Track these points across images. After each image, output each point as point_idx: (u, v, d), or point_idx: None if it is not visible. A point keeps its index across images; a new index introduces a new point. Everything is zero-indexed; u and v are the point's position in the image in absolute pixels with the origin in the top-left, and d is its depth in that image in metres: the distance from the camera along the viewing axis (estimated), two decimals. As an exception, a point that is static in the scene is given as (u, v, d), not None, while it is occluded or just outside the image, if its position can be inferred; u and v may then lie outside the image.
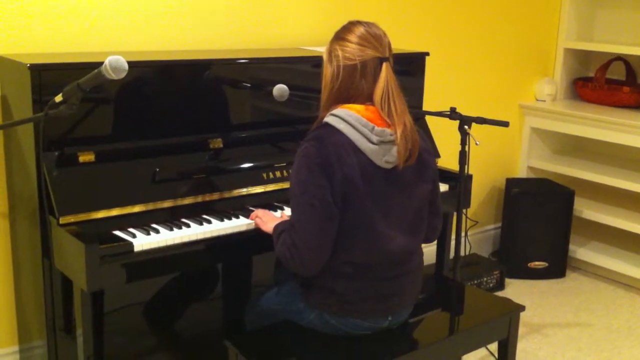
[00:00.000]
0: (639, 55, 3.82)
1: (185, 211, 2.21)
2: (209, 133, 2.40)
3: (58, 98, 1.83)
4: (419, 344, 2.10)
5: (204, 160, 2.34)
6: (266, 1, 2.89)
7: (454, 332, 2.21)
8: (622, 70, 3.97)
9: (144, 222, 2.12)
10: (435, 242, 2.93)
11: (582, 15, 4.07)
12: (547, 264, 3.81)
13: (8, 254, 2.49)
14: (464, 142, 2.50)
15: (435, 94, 3.40)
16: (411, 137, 1.95)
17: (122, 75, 1.76)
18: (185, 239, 2.08)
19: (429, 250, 2.99)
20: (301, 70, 2.63)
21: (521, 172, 4.13)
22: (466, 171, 2.54)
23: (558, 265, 3.83)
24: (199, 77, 2.41)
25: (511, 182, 3.88)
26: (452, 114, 2.51)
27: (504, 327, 2.28)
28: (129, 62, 1.77)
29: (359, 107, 1.94)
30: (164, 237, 2.04)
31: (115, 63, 1.73)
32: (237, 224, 2.19)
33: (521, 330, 2.61)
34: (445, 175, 2.75)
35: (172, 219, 2.18)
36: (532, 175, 4.11)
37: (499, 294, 3.55)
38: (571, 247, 3.87)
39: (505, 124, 2.54)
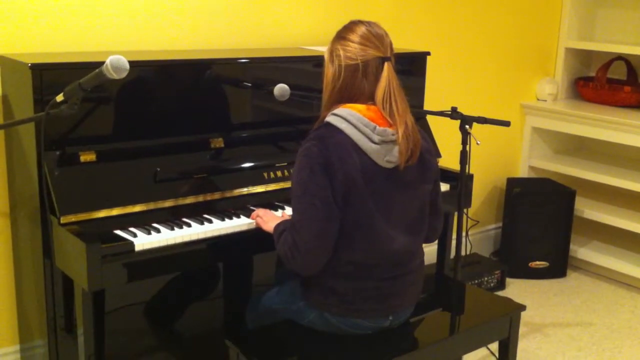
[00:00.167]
0: (639, 55, 3.81)
1: (186, 211, 2.22)
2: (210, 132, 2.40)
3: (59, 98, 1.83)
4: (419, 344, 2.10)
5: (205, 160, 2.34)
6: (267, 1, 2.89)
7: (455, 331, 2.21)
8: (623, 70, 3.97)
9: (145, 222, 2.12)
10: (436, 241, 2.93)
11: (583, 15, 4.07)
12: (548, 264, 3.80)
13: (9, 253, 2.49)
14: (465, 142, 2.49)
15: (437, 94, 3.40)
16: (413, 137, 1.95)
17: (123, 74, 1.77)
18: (187, 239, 2.08)
19: (430, 250, 2.99)
20: (302, 69, 2.63)
21: (522, 172, 4.13)
22: (467, 171, 2.54)
23: (559, 265, 3.83)
24: (200, 77, 2.41)
25: (512, 182, 3.88)
26: (453, 113, 2.51)
27: (505, 326, 2.28)
28: (130, 62, 1.77)
29: (361, 106, 1.94)
30: (165, 237, 2.04)
31: (117, 62, 1.74)
32: (238, 224, 2.20)
33: (522, 329, 2.61)
34: (446, 174, 2.75)
35: (173, 218, 2.18)
36: (533, 175, 4.11)
37: (500, 293, 3.55)
38: (572, 246, 3.87)
39: (506, 123, 2.54)
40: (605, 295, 3.66)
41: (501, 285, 3.65)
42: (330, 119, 1.94)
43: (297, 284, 2.11)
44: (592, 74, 4.14)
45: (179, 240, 2.06)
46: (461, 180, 2.54)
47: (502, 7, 3.76)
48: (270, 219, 2.15)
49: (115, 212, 2.09)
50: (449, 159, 2.92)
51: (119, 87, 2.19)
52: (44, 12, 2.37)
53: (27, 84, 2.06)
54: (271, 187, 2.40)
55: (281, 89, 2.40)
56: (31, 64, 2.04)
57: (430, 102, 3.08)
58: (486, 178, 3.97)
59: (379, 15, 3.19)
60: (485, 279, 3.57)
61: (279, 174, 2.42)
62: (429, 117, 2.93)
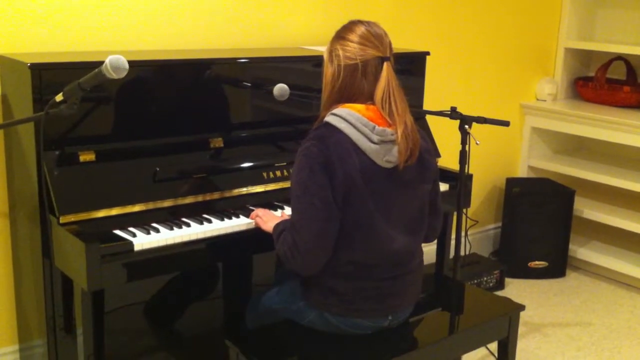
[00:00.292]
0: (639, 55, 3.81)
1: (185, 210, 2.21)
2: (210, 132, 2.39)
3: (58, 97, 1.83)
4: (419, 344, 2.10)
5: (205, 160, 2.34)
6: (267, 1, 2.89)
7: (454, 331, 2.21)
8: (623, 70, 3.97)
9: (144, 222, 2.12)
10: (436, 241, 2.93)
11: (583, 15, 4.07)
12: (547, 264, 3.81)
13: (8, 253, 2.49)
14: (464, 142, 2.49)
15: (436, 94, 3.40)
16: (412, 136, 1.95)
17: (123, 74, 1.76)
18: (186, 239, 2.08)
19: (429, 250, 2.99)
20: (302, 69, 2.63)
21: (521, 172, 4.13)
22: (466, 171, 2.54)
23: (558, 265, 3.83)
24: (199, 77, 2.41)
25: (511, 182, 3.88)
26: (453, 113, 2.51)
27: (504, 326, 2.28)
28: (130, 62, 1.77)
29: (360, 106, 1.94)
30: (164, 237, 2.04)
31: (116, 62, 1.73)
32: (238, 224, 2.19)
33: (521, 329, 2.61)
34: (446, 174, 2.75)
35: (172, 218, 2.18)
36: (532, 175, 4.11)
37: (499, 293, 3.55)
38: (571, 246, 3.87)
39: (505, 123, 2.54)
40: (604, 295, 3.66)
41: (500, 285, 3.65)
42: (329, 118, 1.94)
43: (297, 283, 2.11)
44: (592, 74, 4.14)
45: (178, 240, 2.06)
46: (460, 180, 2.54)
47: (501, 7, 3.76)
48: (269, 219, 2.15)
49: (114, 211, 2.09)
50: (448, 159, 2.92)
51: (119, 86, 2.19)
52: (43, 12, 2.37)
53: (26, 83, 2.06)
54: (270, 186, 2.40)
55: (281, 88, 2.39)
56: (30, 63, 2.04)
57: (429, 102, 3.08)
58: (485, 178, 3.97)
59: (378, 15, 3.19)
60: (485, 278, 3.57)
61: (278, 173, 2.41)
62: (428, 117, 2.93)
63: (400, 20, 3.35)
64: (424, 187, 2.05)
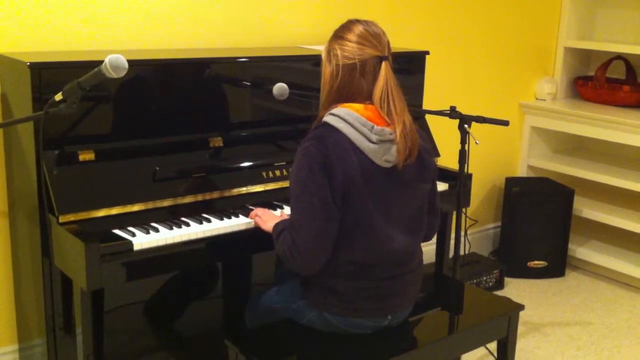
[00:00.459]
0: (639, 55, 3.81)
1: (185, 210, 2.21)
2: (209, 132, 2.39)
3: (58, 97, 1.83)
4: (418, 343, 2.10)
5: (204, 159, 2.34)
6: (266, 0, 2.89)
7: (454, 331, 2.21)
8: (622, 69, 3.97)
9: (143, 221, 2.12)
10: (435, 241, 2.93)
11: (583, 14, 4.07)
12: (546, 263, 3.81)
13: (8, 252, 2.49)
14: (463, 141, 2.49)
15: (435, 93, 3.40)
16: (411, 136, 1.95)
17: (122, 73, 1.76)
18: (185, 238, 2.08)
19: (429, 249, 2.99)
20: (301, 69, 2.63)
21: (521, 171, 4.13)
22: (466, 170, 2.54)
23: (558, 265, 3.83)
24: (199, 76, 2.41)
25: (511, 181, 3.88)
26: (452, 112, 2.51)
27: (504, 326, 2.28)
28: (129, 61, 1.77)
29: (359, 106, 1.94)
30: (163, 236, 2.04)
31: (115, 61, 1.73)
32: (237, 223, 2.19)
33: (520, 329, 2.61)
34: (445, 174, 2.75)
35: (171, 217, 2.17)
36: (532, 175, 4.11)
37: (499, 293, 3.55)
38: (571, 246, 3.87)
39: (505, 123, 2.54)
40: (603, 294, 3.66)
41: (500, 285, 3.65)
42: (328, 118, 1.94)
43: (296, 283, 2.11)
44: (591, 73, 4.14)
45: (177, 239, 2.06)
46: (460, 180, 2.54)
47: (501, 6, 3.76)
48: (269, 219, 2.15)
49: (114, 211, 2.08)
50: (447, 159, 2.91)
51: (118, 86, 2.19)
52: (42, 11, 2.37)
53: (26, 82, 2.05)
54: (270, 186, 2.40)
55: (280, 88, 2.39)
56: (30, 62, 2.04)
57: (429, 102, 3.08)
58: (485, 177, 3.97)
59: (378, 14, 3.19)
60: (484, 278, 3.57)
61: (277, 173, 2.41)
62: (428, 117, 2.94)
63: (399, 19, 3.35)
64: (423, 186, 2.05)
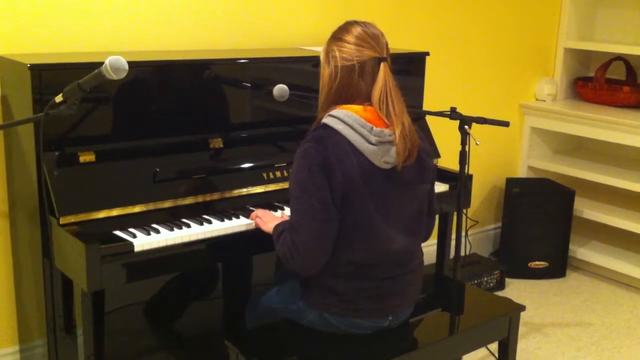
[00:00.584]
0: (639, 55, 3.81)
1: (185, 211, 2.22)
2: (210, 133, 2.40)
3: (58, 98, 1.83)
4: (419, 344, 2.10)
5: (205, 160, 2.34)
6: (266, 1, 2.89)
7: (454, 331, 2.21)
8: (622, 70, 3.97)
9: (144, 222, 2.12)
10: (436, 241, 2.94)
11: (583, 15, 4.07)
12: (547, 264, 3.81)
13: (8, 253, 2.49)
14: (464, 142, 2.49)
15: (436, 94, 3.40)
16: (410, 137, 1.95)
17: (123, 75, 1.77)
18: (186, 239, 2.08)
19: (429, 250, 2.99)
20: (301, 70, 2.63)
21: (521, 172, 4.13)
22: (466, 171, 2.54)
23: (558, 265, 3.83)
24: (199, 77, 2.41)
25: (511, 182, 3.88)
26: (453, 113, 2.51)
27: (504, 326, 2.28)
28: (129, 62, 1.77)
29: (357, 107, 1.94)
30: (164, 237, 2.04)
31: (116, 63, 1.74)
32: (238, 224, 2.19)
33: (521, 329, 2.61)
34: (446, 175, 2.75)
35: (172, 219, 2.18)
36: (532, 175, 4.11)
37: (499, 293, 3.55)
38: (571, 246, 3.87)
39: (505, 123, 2.54)
40: (604, 295, 3.66)
41: (500, 286, 3.65)
42: (327, 120, 1.94)
43: (296, 284, 2.11)
44: (591, 74, 4.14)
45: (178, 240, 2.06)
46: (460, 181, 2.54)
47: (501, 7, 3.76)
48: (269, 220, 2.15)
49: (114, 212, 2.09)
50: (448, 160, 2.92)
51: (118, 87, 2.19)
52: (43, 12, 2.37)
53: (26, 84, 2.06)
54: (270, 187, 2.40)
55: (280, 89, 2.40)
56: (30, 64, 2.04)
57: (429, 103, 3.08)
58: (485, 178, 3.97)
59: (378, 15, 3.19)
60: (485, 279, 3.57)
61: (278, 174, 2.42)
62: (428, 118, 2.94)
63: (399, 20, 3.35)
64: (422, 187, 2.05)
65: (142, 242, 2.00)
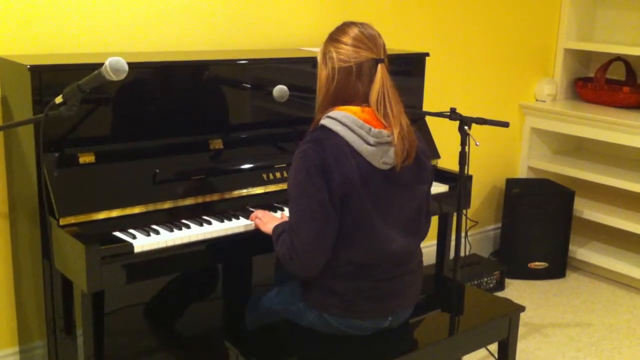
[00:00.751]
0: (639, 56, 3.81)
1: (185, 212, 2.22)
2: (209, 134, 2.40)
3: (58, 99, 1.83)
4: (419, 344, 2.10)
5: (204, 161, 2.34)
6: (266, 2, 2.89)
7: (454, 332, 2.21)
8: (622, 71, 3.97)
9: (144, 223, 2.12)
10: (436, 242, 2.94)
11: (582, 16, 4.07)
12: (547, 264, 3.81)
13: (8, 254, 2.49)
14: (464, 143, 2.50)
15: (435, 95, 3.40)
16: (408, 137, 1.95)
17: (122, 76, 1.77)
18: (185, 240, 2.08)
19: (429, 251, 2.99)
20: (301, 70, 2.63)
21: (521, 173, 4.13)
22: (466, 171, 2.55)
23: (558, 266, 3.83)
24: (199, 78, 2.41)
25: (511, 183, 3.88)
26: (452, 114, 2.51)
27: (504, 327, 2.28)
28: (129, 63, 1.77)
29: (355, 108, 1.94)
30: (164, 238, 2.04)
31: (116, 64, 1.74)
32: (237, 225, 2.20)
33: (521, 330, 2.61)
34: (445, 175, 2.75)
35: (172, 220, 2.18)
36: (532, 176, 4.11)
37: (499, 294, 3.55)
38: (571, 247, 3.87)
39: (505, 124, 2.54)
40: (604, 295, 3.66)
41: (500, 286, 3.65)
42: (325, 121, 1.94)
43: (296, 284, 2.11)
44: (591, 74, 4.14)
45: (178, 241, 2.06)
46: (460, 181, 2.54)
47: (501, 7, 3.77)
48: (269, 220, 2.15)
49: (114, 213, 2.09)
50: (448, 160, 2.92)
51: (118, 88, 2.19)
52: (42, 13, 2.38)
53: (26, 85, 2.06)
54: (270, 188, 2.40)
55: (280, 90, 2.40)
56: (30, 65, 2.05)
57: (429, 103, 3.08)
58: (485, 179, 3.97)
59: (377, 16, 3.19)
60: (485, 279, 3.57)
61: (278, 175, 2.42)
62: (428, 118, 2.94)
63: (399, 21, 3.35)
64: (421, 187, 2.05)
65: (142, 243, 2.00)
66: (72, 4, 2.42)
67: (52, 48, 2.41)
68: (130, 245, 1.98)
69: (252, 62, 2.54)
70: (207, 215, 2.23)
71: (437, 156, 2.92)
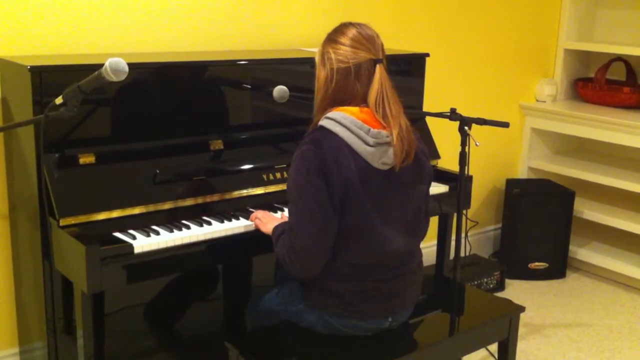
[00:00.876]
0: (639, 56, 3.81)
1: (185, 212, 2.22)
2: (209, 134, 2.40)
3: (58, 100, 1.83)
4: (419, 345, 2.10)
5: (204, 162, 2.35)
6: (266, 2, 2.89)
7: (454, 332, 2.21)
8: (623, 71, 3.97)
9: (144, 224, 2.12)
10: (436, 242, 2.94)
11: (583, 16, 4.07)
12: (547, 265, 3.81)
13: (8, 255, 2.49)
14: (464, 143, 2.50)
15: (436, 95, 3.40)
16: (407, 138, 1.95)
17: (123, 77, 1.77)
18: (186, 241, 2.08)
19: (429, 251, 2.99)
20: (301, 71, 2.63)
21: (521, 173, 4.13)
22: (466, 172, 2.55)
23: (558, 266, 3.83)
24: (199, 79, 2.41)
25: (511, 183, 3.88)
26: (452, 114, 2.51)
27: (504, 327, 2.28)
28: (129, 64, 1.77)
29: (354, 109, 1.94)
30: (164, 239, 2.04)
31: (116, 65, 1.74)
32: (237, 225, 2.20)
33: (521, 330, 2.61)
34: (446, 176, 2.75)
35: (172, 220, 2.18)
36: (532, 176, 4.11)
37: (499, 294, 3.55)
38: (571, 247, 3.87)
39: (505, 124, 2.54)
40: (604, 296, 3.66)
41: (501, 286, 3.65)
42: (324, 122, 1.94)
43: (296, 285, 2.11)
44: (592, 74, 4.14)
45: (178, 242, 2.06)
46: (460, 182, 2.55)
47: (501, 8, 3.77)
48: (269, 221, 2.15)
49: (114, 214, 2.09)
50: (448, 160, 2.92)
51: (118, 89, 2.19)
52: (43, 14, 2.38)
53: (26, 86, 2.06)
54: (270, 188, 2.40)
55: (280, 90, 2.40)
56: (30, 66, 2.05)
57: (429, 104, 3.08)
58: (485, 179, 3.97)
59: (377, 17, 3.19)
60: (485, 280, 3.57)
61: (278, 175, 2.42)
62: (428, 119, 2.94)
63: (399, 22, 3.35)
64: (420, 187, 2.05)
65: (142, 243, 2.00)
66: (72, 4, 2.43)
67: (52, 49, 2.41)
68: (130, 246, 1.98)
69: (252, 62, 2.54)
70: (207, 216, 2.23)
71: (437, 156, 2.92)
